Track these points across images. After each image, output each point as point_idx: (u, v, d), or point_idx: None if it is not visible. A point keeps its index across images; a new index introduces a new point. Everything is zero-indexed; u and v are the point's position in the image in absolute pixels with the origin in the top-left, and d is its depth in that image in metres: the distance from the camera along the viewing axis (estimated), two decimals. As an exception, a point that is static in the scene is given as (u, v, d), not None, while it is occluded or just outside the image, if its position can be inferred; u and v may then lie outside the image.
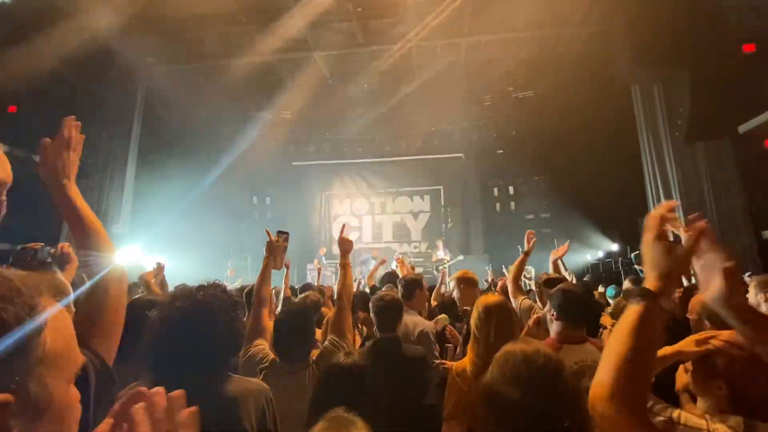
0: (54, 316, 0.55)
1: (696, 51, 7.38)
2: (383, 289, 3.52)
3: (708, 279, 0.90)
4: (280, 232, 2.24)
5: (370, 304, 2.35)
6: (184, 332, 1.18)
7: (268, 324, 1.92)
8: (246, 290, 2.69)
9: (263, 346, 1.81)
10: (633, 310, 0.89)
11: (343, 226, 2.51)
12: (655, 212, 0.95)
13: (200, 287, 1.32)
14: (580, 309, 2.09)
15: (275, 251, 2.17)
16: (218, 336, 1.23)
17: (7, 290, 0.52)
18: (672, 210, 0.96)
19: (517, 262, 3.15)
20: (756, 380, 0.95)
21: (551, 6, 7.52)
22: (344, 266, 2.21)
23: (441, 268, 8.37)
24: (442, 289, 4.50)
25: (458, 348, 2.78)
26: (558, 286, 2.18)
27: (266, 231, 2.20)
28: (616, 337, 0.90)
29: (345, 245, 2.30)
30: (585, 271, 10.36)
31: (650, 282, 0.90)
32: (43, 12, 7.45)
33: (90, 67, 7.97)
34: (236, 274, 10.66)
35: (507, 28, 8.24)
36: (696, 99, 7.61)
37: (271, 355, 1.76)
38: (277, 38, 8.13)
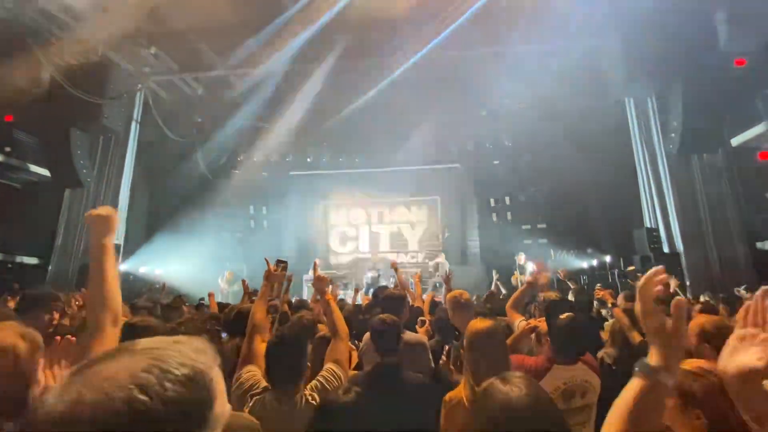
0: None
1: (688, 65, 7.46)
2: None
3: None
4: (279, 261, 2.23)
5: (370, 328, 2.31)
6: None
7: (261, 349, 1.91)
8: (233, 312, 2.62)
9: (254, 372, 1.79)
10: (633, 386, 0.84)
11: (315, 264, 2.48)
12: (642, 282, 0.87)
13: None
14: (576, 345, 2.15)
15: (273, 279, 2.16)
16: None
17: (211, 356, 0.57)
18: (659, 275, 0.87)
19: (518, 292, 3.09)
20: (735, 410, 0.92)
21: (546, 19, 7.59)
22: (327, 302, 2.14)
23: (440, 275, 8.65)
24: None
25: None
26: (561, 319, 2.13)
27: (266, 260, 2.18)
28: (615, 415, 0.83)
29: (320, 284, 2.23)
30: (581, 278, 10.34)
31: (652, 356, 0.84)
32: (42, 23, 7.48)
33: (87, 78, 7.97)
34: (234, 277, 10.44)
35: (502, 41, 8.32)
36: (689, 112, 7.67)
37: (263, 382, 1.75)
38: (275, 50, 8.18)
